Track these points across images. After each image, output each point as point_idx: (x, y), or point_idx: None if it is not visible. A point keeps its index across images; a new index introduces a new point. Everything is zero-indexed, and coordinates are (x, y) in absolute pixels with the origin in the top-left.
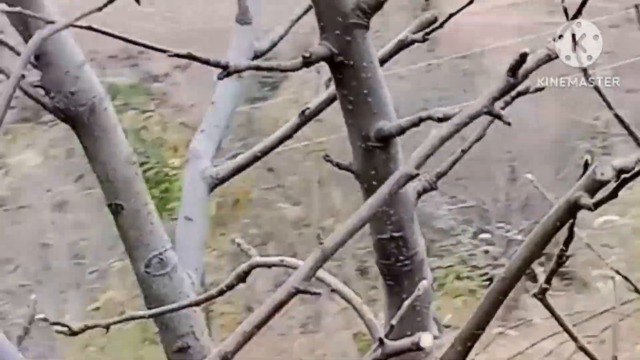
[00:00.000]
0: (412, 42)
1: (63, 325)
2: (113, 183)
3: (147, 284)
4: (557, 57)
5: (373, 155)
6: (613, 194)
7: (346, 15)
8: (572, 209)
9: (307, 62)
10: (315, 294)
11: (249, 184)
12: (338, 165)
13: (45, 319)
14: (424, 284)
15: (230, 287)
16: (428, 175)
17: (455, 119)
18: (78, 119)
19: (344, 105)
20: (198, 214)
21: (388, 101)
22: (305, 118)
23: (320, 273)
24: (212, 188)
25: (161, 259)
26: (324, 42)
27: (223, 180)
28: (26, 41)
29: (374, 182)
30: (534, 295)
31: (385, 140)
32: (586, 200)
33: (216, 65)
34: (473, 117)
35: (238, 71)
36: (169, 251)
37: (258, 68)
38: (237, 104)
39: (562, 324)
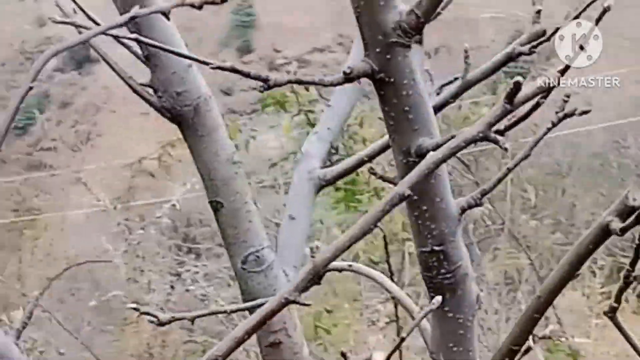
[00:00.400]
0: (520, 54)
1: (152, 315)
2: (214, 181)
3: (243, 280)
4: (556, 86)
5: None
6: (636, 222)
7: (387, 34)
8: (604, 233)
9: (349, 78)
10: (305, 304)
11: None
12: (382, 178)
13: (136, 309)
14: (438, 299)
15: (304, 289)
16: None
17: (451, 143)
18: (183, 118)
19: (387, 120)
20: (302, 213)
21: (430, 118)
22: None
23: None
24: (319, 189)
25: (257, 257)
26: (365, 59)
27: (330, 182)
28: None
29: (415, 197)
30: (604, 313)
31: (425, 156)
32: (616, 225)
33: (256, 78)
34: (469, 142)
35: (278, 85)
36: (265, 249)
37: (299, 82)
38: (351, 108)
39: (632, 345)
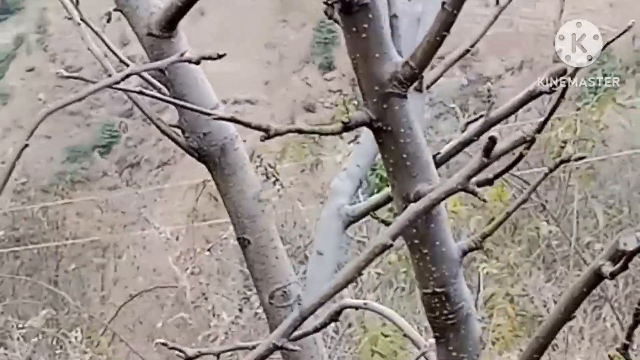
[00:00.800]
0: (541, 93)
1: (179, 350)
2: (240, 219)
3: (271, 315)
4: (533, 140)
5: None
6: (624, 266)
7: (383, 85)
8: (596, 277)
9: (347, 127)
10: (292, 350)
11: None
12: (384, 222)
13: (164, 344)
14: (430, 341)
15: (323, 325)
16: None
17: (432, 194)
18: (210, 158)
19: (387, 167)
20: (329, 249)
21: (428, 165)
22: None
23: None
24: (347, 225)
25: (284, 292)
26: (363, 109)
27: (358, 218)
28: (162, 82)
29: (415, 240)
30: (617, 349)
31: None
32: (606, 269)
33: (257, 128)
34: (448, 194)
35: (279, 134)
36: (292, 285)
37: (299, 131)
38: None
39: None
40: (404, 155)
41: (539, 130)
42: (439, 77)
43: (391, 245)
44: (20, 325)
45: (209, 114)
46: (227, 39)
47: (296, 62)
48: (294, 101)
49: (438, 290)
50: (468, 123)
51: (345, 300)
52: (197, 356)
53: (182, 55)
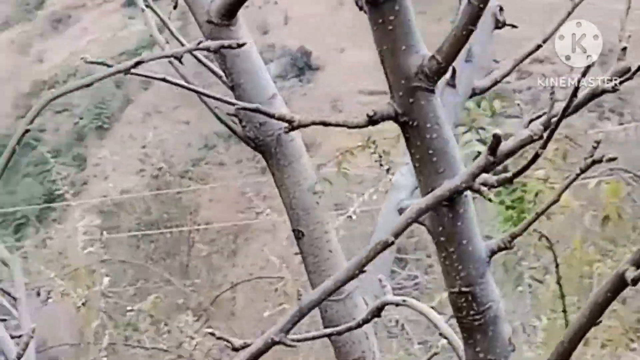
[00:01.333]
0: (603, 91)
1: (226, 340)
2: (295, 210)
3: (322, 308)
4: (540, 138)
5: (440, 212)
6: None
7: (409, 79)
8: (620, 282)
9: (372, 121)
10: (290, 345)
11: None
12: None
13: (212, 334)
14: (443, 342)
15: (365, 321)
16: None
17: (436, 192)
18: (266, 148)
19: (413, 162)
20: None
21: (455, 160)
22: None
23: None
24: None
25: None
26: (390, 102)
27: None
28: (221, 67)
29: (442, 238)
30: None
31: (451, 199)
32: (630, 274)
33: (280, 119)
34: (453, 192)
35: (302, 126)
36: None
37: (325, 124)
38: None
39: None
40: (430, 151)
41: (553, 130)
42: (508, 73)
43: (392, 243)
44: (129, 308)
45: (232, 104)
46: (365, 29)
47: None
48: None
49: (465, 289)
50: (531, 120)
51: (386, 297)
52: (242, 347)
53: (240, 45)
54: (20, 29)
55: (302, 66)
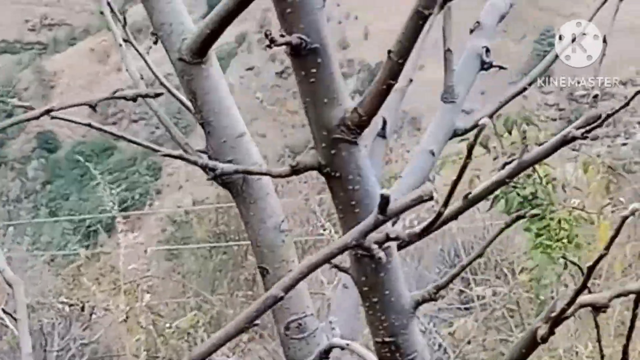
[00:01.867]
0: (574, 138)
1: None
2: (260, 248)
3: (286, 345)
4: (430, 199)
5: (363, 262)
6: (551, 332)
7: (331, 131)
8: (533, 339)
9: (295, 171)
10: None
11: None
12: (337, 267)
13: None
14: None
15: None
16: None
17: (326, 249)
18: (233, 186)
19: (337, 212)
20: None
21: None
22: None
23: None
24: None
25: (300, 324)
26: (313, 152)
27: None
28: (192, 104)
29: (365, 288)
30: None
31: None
32: (542, 331)
33: (203, 167)
34: (342, 250)
35: (225, 174)
36: (308, 317)
37: (249, 172)
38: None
39: None
40: (353, 202)
41: (456, 182)
42: (492, 114)
43: (282, 298)
44: (168, 325)
45: (156, 150)
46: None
47: (514, 73)
48: (507, 113)
49: (387, 339)
50: (505, 164)
51: (333, 340)
52: None
53: (158, 95)
54: (100, 38)
55: None
